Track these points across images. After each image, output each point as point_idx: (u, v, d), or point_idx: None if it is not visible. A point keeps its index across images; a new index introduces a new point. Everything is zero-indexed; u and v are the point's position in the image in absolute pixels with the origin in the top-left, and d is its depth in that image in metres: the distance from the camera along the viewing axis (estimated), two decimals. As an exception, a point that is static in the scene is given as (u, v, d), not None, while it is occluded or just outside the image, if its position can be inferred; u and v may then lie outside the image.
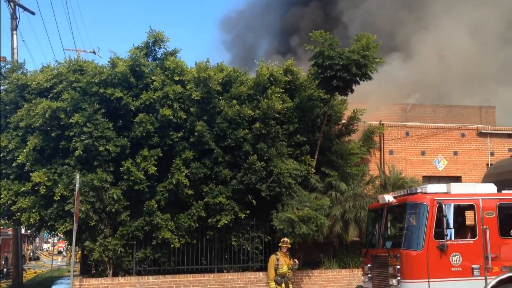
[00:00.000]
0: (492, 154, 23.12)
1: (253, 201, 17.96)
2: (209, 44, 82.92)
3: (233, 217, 17.60)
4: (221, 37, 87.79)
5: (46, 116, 16.86)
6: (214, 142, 17.75)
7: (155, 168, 17.05)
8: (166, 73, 17.99)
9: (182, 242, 17.62)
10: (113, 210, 17.04)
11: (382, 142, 22.30)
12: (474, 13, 34.60)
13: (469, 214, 13.43)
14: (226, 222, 17.37)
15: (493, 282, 11.95)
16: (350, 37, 20.50)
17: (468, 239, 12.34)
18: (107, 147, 16.87)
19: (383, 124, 22.37)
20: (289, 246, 15.41)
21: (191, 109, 17.66)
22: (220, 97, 18.18)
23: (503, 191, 13.09)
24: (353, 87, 18.45)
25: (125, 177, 16.97)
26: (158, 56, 18.80)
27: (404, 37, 34.76)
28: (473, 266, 12.04)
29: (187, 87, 17.65)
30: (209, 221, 17.61)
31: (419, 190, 12.83)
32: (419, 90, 31.96)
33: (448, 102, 32.21)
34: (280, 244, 15.31)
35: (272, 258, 15.01)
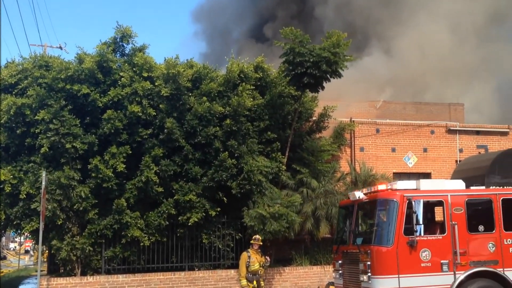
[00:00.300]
0: (461, 150, 23.38)
1: (224, 198, 17.86)
2: (184, 37, 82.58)
3: (204, 214, 17.46)
4: (196, 28, 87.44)
5: (11, 112, 16.49)
6: (184, 139, 17.57)
7: (124, 166, 16.80)
8: (134, 69, 17.75)
9: (152, 240, 17.41)
10: (81, 208, 16.74)
11: (352, 139, 22.36)
12: (452, 6, 34.86)
13: (438, 210, 13.53)
14: (196, 219, 17.22)
15: (462, 277, 12.04)
16: (324, 32, 20.43)
17: (437, 235, 12.41)
18: (74, 144, 16.57)
19: (353, 121, 22.44)
20: (261, 243, 15.34)
21: (160, 105, 17.45)
22: (190, 94, 18.00)
23: (471, 187, 13.21)
24: (324, 84, 18.45)
25: (93, 174, 16.69)
26: (126, 52, 18.54)
27: (379, 33, 34.96)
28: (442, 261, 12.10)
29: (156, 84, 17.43)
30: (179, 218, 17.44)
31: (389, 187, 12.84)
32: (392, 87, 32.11)
33: (421, 98, 32.48)
34: (251, 242, 15.25)
35: (244, 255, 14.94)
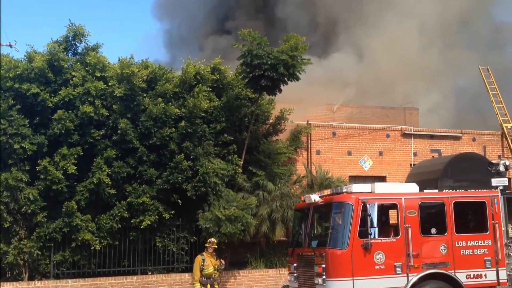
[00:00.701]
0: (415, 154, 23.69)
1: (179, 201, 17.59)
2: (144, 35, 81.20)
3: (157, 217, 17.15)
4: (156, 28, 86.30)
5: (-44, 111, 15.88)
6: (138, 141, 17.25)
7: (75, 167, 16.38)
8: (87, 68, 17.37)
9: (103, 243, 16.99)
10: (29, 211, 16.23)
11: (309, 142, 22.37)
12: (422, 9, 35.27)
13: (392, 213, 13.60)
14: (150, 222, 16.89)
15: (415, 279, 12.11)
16: (289, 31, 20.38)
17: (391, 238, 12.46)
18: (22, 144, 16.08)
19: (310, 124, 22.46)
20: (216, 246, 15.17)
21: (113, 106, 17.09)
22: (145, 95, 17.72)
23: (425, 191, 13.32)
24: (281, 87, 18.43)
25: (42, 176, 16.20)
26: (79, 51, 18.13)
27: (343, 33, 35.15)
28: (395, 264, 12.14)
29: (110, 84, 17.08)
30: (132, 221, 17.08)
31: (344, 190, 12.84)
32: (351, 89, 32.32)
33: (379, 102, 32.81)
34: (206, 245, 15.09)
35: (198, 258, 14.77)
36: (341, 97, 31.07)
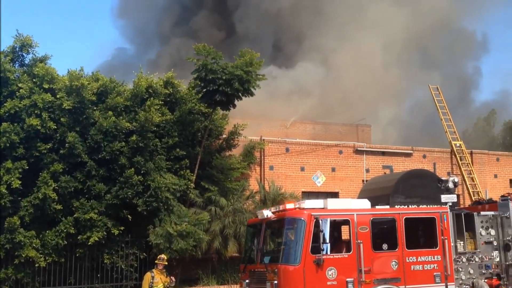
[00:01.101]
0: (367, 170, 23.91)
1: (129, 216, 17.20)
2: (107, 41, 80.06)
3: (106, 233, 16.72)
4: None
5: None
6: (87, 155, 16.83)
7: (20, 182, 15.83)
8: (34, 80, 16.92)
9: (48, 261, 16.45)
10: (-30, 227, 15.54)
11: (262, 157, 22.31)
12: (384, 25, 35.74)
13: (345, 229, 13.58)
14: (97, 239, 16.45)
15: (366, 295, 12.08)
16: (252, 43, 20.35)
17: (343, 253, 12.41)
18: (-36, 158, 15.41)
19: (263, 139, 22.42)
20: (166, 263, 14.81)
21: (61, 119, 16.67)
22: (95, 108, 17.35)
23: (376, 207, 13.35)
24: (236, 102, 18.34)
25: (-16, 191, 15.55)
26: (26, 62, 17.66)
27: (305, 48, 35.33)
28: (347, 279, 12.07)
29: (58, 96, 16.68)
30: (79, 238, 16.59)
31: (297, 206, 12.75)
32: (308, 104, 32.48)
33: (332, 118, 33.09)
34: (156, 261, 14.70)
35: (147, 275, 14.38)
36: (299, 111, 31.18)
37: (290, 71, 33.68)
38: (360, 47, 33.98)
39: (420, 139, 31.33)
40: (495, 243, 13.82)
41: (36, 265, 16.21)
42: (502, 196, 15.02)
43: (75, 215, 16.52)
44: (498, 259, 13.73)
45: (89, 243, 16.48)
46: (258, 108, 26.87)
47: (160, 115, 17.80)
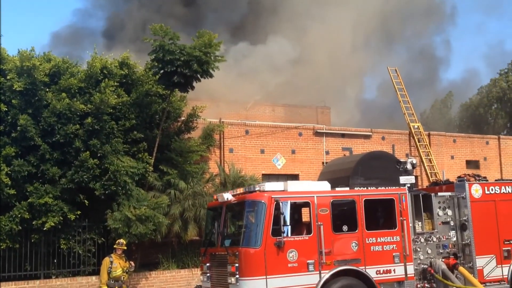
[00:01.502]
0: (327, 153, 23.99)
1: (85, 201, 16.81)
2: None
3: (62, 218, 16.26)
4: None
5: None
6: (40, 138, 16.32)
7: (-30, 166, 15.22)
8: (-18, 60, 16.23)
9: (2, 247, 15.93)
10: None
11: (222, 140, 22.12)
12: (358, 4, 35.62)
13: (305, 211, 13.58)
14: (53, 224, 15.99)
15: (327, 276, 12.16)
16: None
17: (304, 236, 12.43)
18: None
19: (223, 122, 22.20)
20: (125, 248, 14.64)
21: (13, 101, 16.11)
22: (48, 89, 16.79)
23: (336, 189, 13.40)
24: (194, 83, 18.05)
25: None
26: (-26, 42, 16.91)
27: (259, 27, 35.03)
28: (308, 261, 12.13)
29: (9, 77, 16.11)
30: (34, 223, 16.08)
31: (257, 188, 12.68)
32: (265, 87, 32.33)
33: (293, 100, 33.05)
34: (114, 246, 14.55)
35: (105, 260, 14.25)
36: (260, 93, 31.00)
37: (255, 47, 33.32)
38: (329, 26, 33.97)
39: (382, 121, 31.65)
40: (452, 223, 14.12)
41: (-11, 251, 15.73)
42: (459, 177, 15.31)
43: (29, 200, 16.02)
44: (455, 239, 14.04)
45: (45, 229, 16.04)
46: (218, 89, 26.60)
47: (116, 97, 17.37)
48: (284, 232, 11.97)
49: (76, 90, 17.05)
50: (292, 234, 12.29)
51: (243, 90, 29.62)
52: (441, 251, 13.78)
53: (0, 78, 15.99)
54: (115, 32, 37.04)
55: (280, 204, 12.03)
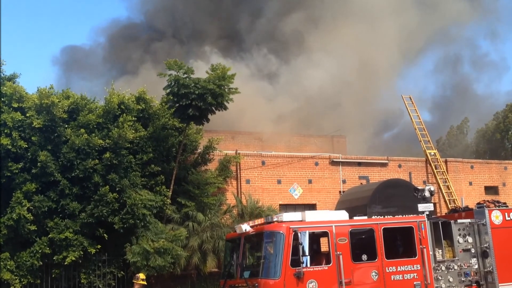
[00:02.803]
0: (344, 181, 23.94)
1: (105, 234, 16.92)
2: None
3: (82, 253, 16.39)
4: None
5: None
6: (60, 173, 16.54)
7: (-8, 203, 15.45)
8: (3, 99, 16.62)
9: (24, 282, 16.09)
10: None
11: (238, 171, 22.19)
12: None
13: (323, 241, 13.52)
14: (74, 258, 16.13)
15: (348, 306, 12.01)
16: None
17: (323, 266, 12.34)
18: None
19: (239, 153, 22.32)
20: (144, 283, 14.55)
21: (32, 138, 16.41)
22: (66, 126, 17.10)
23: (354, 218, 13.35)
24: (209, 116, 18.27)
25: (-44, 213, 15.17)
26: (-7, 81, 17.32)
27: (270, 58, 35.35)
28: (328, 292, 12.02)
29: (28, 115, 16.44)
30: (54, 258, 16.25)
31: (275, 219, 12.67)
32: (281, 119, 32.48)
33: (307, 130, 33.08)
34: (133, 281, 14.47)
35: None
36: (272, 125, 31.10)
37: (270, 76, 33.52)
38: (340, 57, 34.21)
39: (396, 148, 31.56)
40: (473, 251, 13.89)
41: (11, 287, 15.80)
42: (478, 203, 15.13)
43: (50, 235, 16.20)
44: (476, 266, 13.80)
45: (65, 263, 16.17)
46: (232, 120, 26.78)
47: (133, 131, 17.61)
48: (303, 263, 11.88)
49: (95, 126, 17.33)
50: (311, 264, 12.20)
51: (256, 120, 29.75)
52: (463, 279, 13.55)
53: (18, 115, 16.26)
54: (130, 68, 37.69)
55: (299, 234, 11.99)
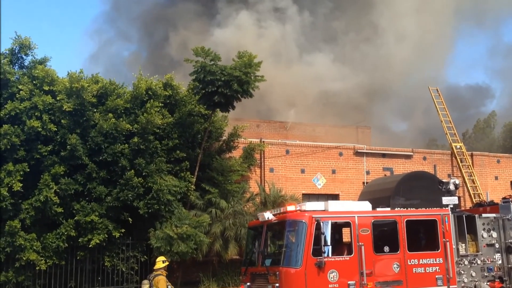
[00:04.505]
0: (368, 172, 23.85)
1: (129, 219, 17.16)
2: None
3: (107, 236, 16.66)
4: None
5: None
6: (87, 157, 16.80)
7: (21, 184, 15.79)
8: (34, 82, 16.88)
9: (49, 263, 16.41)
10: (-29, 229, 15.50)
11: (262, 159, 22.25)
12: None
13: (346, 231, 13.54)
14: (98, 241, 16.40)
15: (368, 297, 12.03)
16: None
17: (344, 256, 12.37)
18: (-36, 160, 15.37)
19: (263, 141, 22.36)
20: (167, 263, 14.53)
21: (62, 121, 16.65)
22: (95, 110, 17.30)
23: (377, 209, 13.33)
24: (235, 103, 18.33)
25: (-15, 194, 15.51)
26: (26, 64, 17.61)
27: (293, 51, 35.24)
28: (349, 282, 12.03)
29: (58, 98, 16.67)
30: (79, 240, 16.55)
31: (298, 208, 12.72)
32: (301, 108, 32.44)
33: (331, 120, 33.00)
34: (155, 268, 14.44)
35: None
36: (292, 114, 31.12)
37: (296, 65, 33.39)
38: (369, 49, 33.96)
39: (419, 141, 31.31)
40: (497, 246, 13.79)
41: (37, 268, 16.19)
42: (504, 198, 14.97)
43: (75, 218, 16.48)
44: (500, 262, 13.70)
45: (90, 246, 16.45)
46: (257, 108, 26.82)
47: (161, 117, 17.77)
48: (324, 252, 11.92)
49: (122, 111, 17.53)
50: (332, 254, 12.24)
51: (282, 109, 29.79)
52: (486, 274, 13.46)
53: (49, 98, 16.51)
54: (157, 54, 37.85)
55: (321, 223, 12.01)
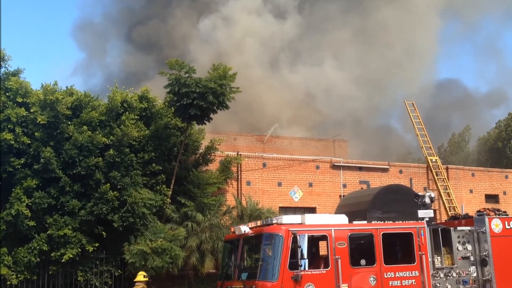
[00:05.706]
0: (344, 186, 23.92)
1: (103, 232, 16.87)
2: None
3: (80, 250, 16.37)
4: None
5: None
6: (61, 170, 16.53)
7: (-8, 198, 15.44)
8: (7, 94, 16.63)
9: (20, 278, 16.05)
10: None
11: (239, 172, 22.18)
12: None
13: (322, 245, 13.52)
14: (71, 256, 16.09)
15: (345, 311, 12.00)
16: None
17: (321, 269, 12.36)
18: None
19: (240, 154, 22.30)
20: (146, 279, 14.41)
21: (36, 134, 16.39)
22: (70, 122, 17.07)
23: (354, 222, 13.35)
24: (211, 116, 18.26)
25: (-45, 207, 15.16)
26: (-2, 76, 17.34)
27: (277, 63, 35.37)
28: (326, 296, 12.00)
29: (32, 110, 16.41)
30: (52, 255, 16.22)
31: (274, 221, 12.68)
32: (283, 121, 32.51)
33: (309, 133, 33.20)
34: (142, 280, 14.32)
35: None
36: (271, 128, 31.14)
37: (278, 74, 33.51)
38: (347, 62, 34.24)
39: (394, 155, 31.56)
40: (472, 258, 13.90)
41: (8, 282, 15.81)
42: (478, 211, 15.14)
43: (48, 232, 16.17)
44: (475, 274, 13.80)
45: (63, 260, 16.13)
46: (235, 122, 26.79)
47: (138, 129, 17.62)
48: (301, 266, 11.89)
49: (97, 123, 17.33)
50: (309, 267, 12.23)
51: (259, 121, 29.82)
52: (461, 287, 13.56)
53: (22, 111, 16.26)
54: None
55: (298, 237, 11.99)
